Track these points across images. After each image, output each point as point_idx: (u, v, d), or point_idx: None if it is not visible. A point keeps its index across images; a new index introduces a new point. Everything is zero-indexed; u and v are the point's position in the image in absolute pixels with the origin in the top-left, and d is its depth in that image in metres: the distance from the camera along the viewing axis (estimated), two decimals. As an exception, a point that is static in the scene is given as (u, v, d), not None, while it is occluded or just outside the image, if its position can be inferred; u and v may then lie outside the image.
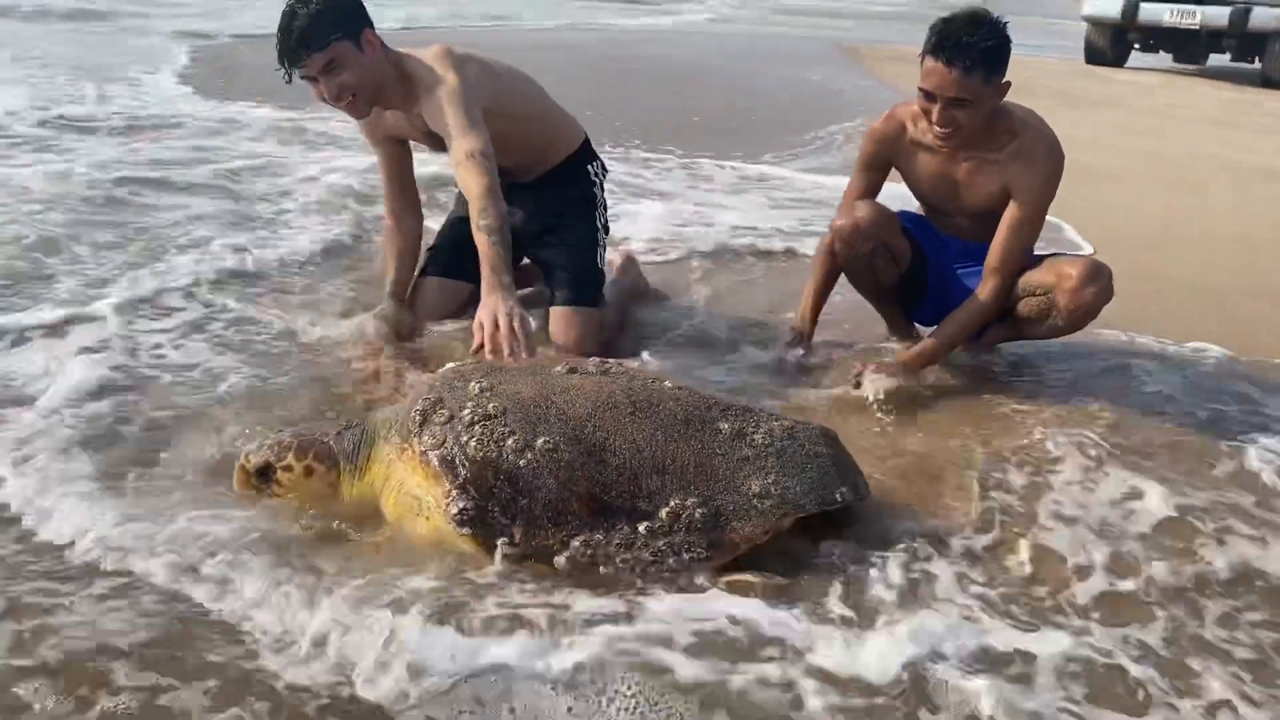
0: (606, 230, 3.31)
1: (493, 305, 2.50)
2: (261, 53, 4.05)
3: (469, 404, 1.98)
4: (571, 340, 3.03)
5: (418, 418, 1.98)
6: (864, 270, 3.09)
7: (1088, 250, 4.54)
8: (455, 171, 2.82)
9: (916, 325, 3.32)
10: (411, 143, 3.19)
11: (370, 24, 2.82)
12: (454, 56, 2.90)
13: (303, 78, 2.78)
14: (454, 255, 3.30)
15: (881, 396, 2.78)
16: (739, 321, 3.47)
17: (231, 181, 4.79)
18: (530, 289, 3.43)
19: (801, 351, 3.06)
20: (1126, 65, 13.22)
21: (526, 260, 3.40)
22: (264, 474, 2.05)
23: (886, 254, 3.04)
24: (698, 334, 3.35)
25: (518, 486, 1.87)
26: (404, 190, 3.20)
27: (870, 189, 3.04)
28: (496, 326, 2.42)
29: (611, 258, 3.64)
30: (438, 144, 3.11)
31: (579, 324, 3.06)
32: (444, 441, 1.92)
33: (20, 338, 2.93)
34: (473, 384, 2.03)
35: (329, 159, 5.32)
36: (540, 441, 1.91)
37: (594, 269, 3.18)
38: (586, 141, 3.31)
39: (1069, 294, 2.82)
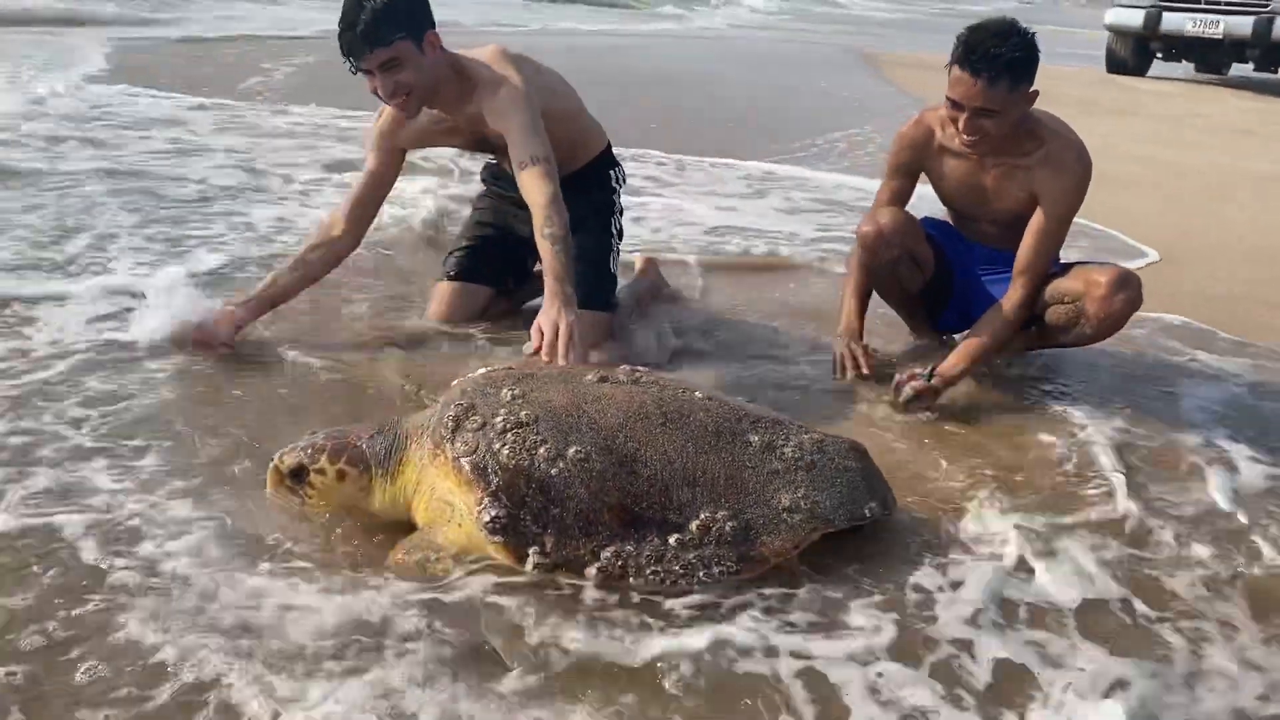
0: (620, 236, 3.34)
1: (554, 314, 2.53)
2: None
3: (501, 411, 1.98)
4: (589, 339, 3.03)
5: (450, 423, 1.98)
6: (889, 277, 3.09)
7: (1153, 257, 4.57)
8: (517, 175, 2.83)
9: (941, 332, 3.32)
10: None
11: (433, 24, 2.83)
12: (511, 57, 2.93)
13: (359, 71, 2.78)
14: (474, 259, 3.32)
15: (920, 407, 2.78)
16: (761, 324, 3.50)
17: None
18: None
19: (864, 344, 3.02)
20: (1148, 74, 13.16)
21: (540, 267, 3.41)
22: (297, 475, 2.06)
23: (911, 261, 3.05)
24: (720, 338, 3.36)
25: (549, 495, 1.88)
26: (365, 209, 3.09)
27: (900, 194, 3.05)
28: (556, 334, 2.47)
29: (632, 259, 3.66)
30: (479, 145, 3.13)
31: (590, 326, 3.05)
32: (476, 448, 1.93)
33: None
34: (505, 390, 2.04)
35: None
36: (572, 451, 1.91)
37: (606, 273, 3.20)
38: (609, 147, 3.33)
39: (1098, 302, 2.82)
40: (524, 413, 1.97)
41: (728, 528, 1.89)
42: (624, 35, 14.87)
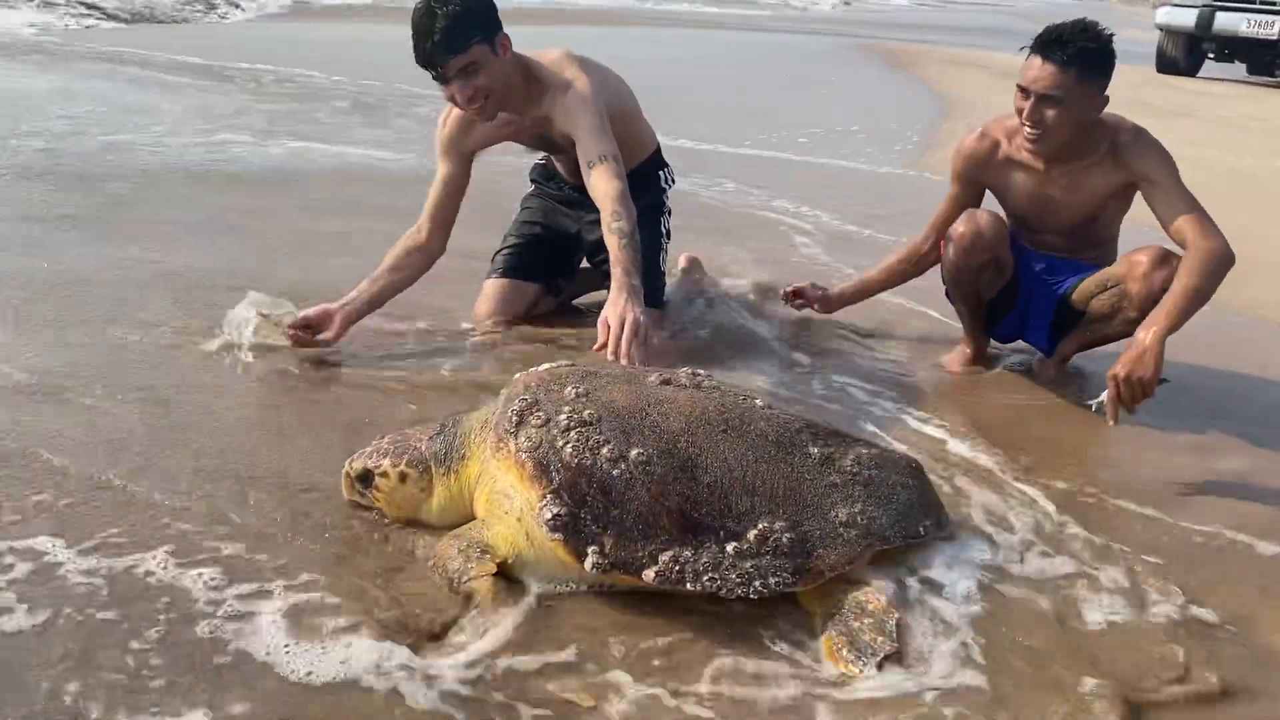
0: (669, 236, 3.41)
1: (621, 308, 2.56)
2: None
3: (565, 408, 1.99)
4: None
5: (514, 418, 2.00)
6: (972, 281, 3.07)
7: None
8: (585, 173, 2.87)
9: (995, 339, 3.33)
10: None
11: (501, 27, 2.85)
12: (578, 59, 2.97)
13: (436, 79, 2.81)
14: (524, 256, 3.37)
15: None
16: (803, 321, 3.51)
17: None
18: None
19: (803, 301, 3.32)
20: (1199, 75, 12.93)
21: (586, 264, 3.45)
22: (365, 480, 2.10)
23: (997, 267, 3.04)
24: (765, 339, 3.37)
25: (610, 496, 1.89)
26: (446, 212, 3.14)
27: (963, 206, 3.04)
28: (622, 328, 2.49)
29: (675, 258, 3.67)
30: (542, 145, 3.18)
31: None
32: (539, 444, 1.94)
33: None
34: (568, 388, 2.05)
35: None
36: (634, 452, 1.93)
37: (656, 271, 3.24)
38: (659, 148, 3.36)
39: (1140, 280, 2.80)
40: (587, 411, 1.98)
41: (784, 539, 1.90)
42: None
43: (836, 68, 12.68)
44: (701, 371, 2.22)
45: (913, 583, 2.01)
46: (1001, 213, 3.08)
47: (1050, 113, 2.69)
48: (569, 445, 1.93)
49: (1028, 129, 2.74)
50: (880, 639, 1.82)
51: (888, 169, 7.37)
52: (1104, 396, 2.64)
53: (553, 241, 3.41)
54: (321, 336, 2.95)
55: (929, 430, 2.76)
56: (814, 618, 1.90)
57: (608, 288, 3.40)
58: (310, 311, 2.96)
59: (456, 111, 2.99)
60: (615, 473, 1.91)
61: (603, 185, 2.80)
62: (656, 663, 1.77)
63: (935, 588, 2.02)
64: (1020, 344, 3.37)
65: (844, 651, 1.79)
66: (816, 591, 1.92)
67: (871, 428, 2.73)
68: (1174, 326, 2.62)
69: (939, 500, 2.20)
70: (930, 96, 10.38)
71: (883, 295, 3.53)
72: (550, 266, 3.43)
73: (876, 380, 3.09)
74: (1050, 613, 1.98)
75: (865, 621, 1.86)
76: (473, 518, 2.07)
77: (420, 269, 3.13)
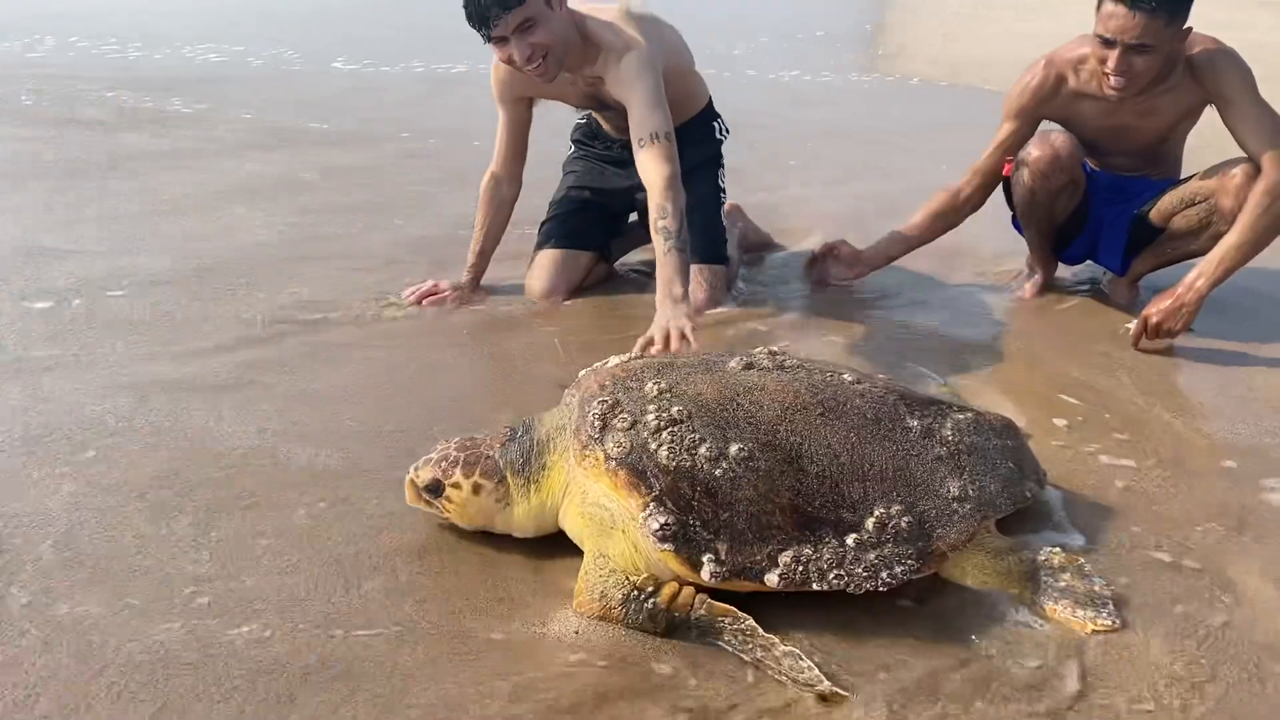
0: (724, 191, 3.25)
1: (664, 320, 2.49)
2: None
3: (650, 406, 1.84)
4: (703, 297, 3.02)
5: (596, 421, 1.85)
6: (1047, 204, 3.01)
7: None
8: (635, 151, 2.73)
9: (1064, 262, 3.31)
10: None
11: None
12: (636, 18, 2.80)
13: (490, 39, 2.64)
14: (572, 223, 3.24)
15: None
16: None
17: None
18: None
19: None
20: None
21: (635, 218, 3.32)
22: (434, 490, 1.93)
23: (1073, 188, 2.95)
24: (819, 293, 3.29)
25: (717, 499, 1.76)
26: (516, 155, 3.10)
27: (1020, 139, 2.94)
28: (666, 343, 2.42)
29: None
30: (591, 104, 3.04)
31: (709, 281, 3.02)
32: (630, 449, 1.80)
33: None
34: (649, 384, 1.90)
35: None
36: (734, 448, 1.79)
37: (719, 225, 3.13)
38: (711, 100, 3.21)
39: (1233, 195, 2.74)
40: (675, 408, 1.84)
41: (903, 523, 1.80)
42: None
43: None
44: (777, 349, 2.08)
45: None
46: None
47: (1139, 60, 2.57)
48: (663, 447, 1.79)
49: (1114, 79, 2.61)
50: (1096, 589, 1.80)
51: (857, 75, 7.25)
52: (1132, 327, 2.85)
53: (603, 205, 3.29)
54: (457, 298, 3.15)
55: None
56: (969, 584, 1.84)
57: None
58: (424, 287, 3.16)
59: None
60: (718, 472, 1.77)
61: (653, 169, 2.67)
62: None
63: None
64: (1088, 264, 3.35)
65: (1078, 612, 1.75)
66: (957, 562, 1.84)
67: (960, 376, 2.69)
68: (1223, 279, 2.69)
69: (1034, 457, 2.11)
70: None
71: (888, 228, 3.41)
72: (603, 231, 3.32)
73: (955, 314, 3.04)
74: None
75: (1064, 577, 1.82)
76: (556, 530, 1.93)
77: (508, 212, 3.20)
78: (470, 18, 2.63)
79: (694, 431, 1.81)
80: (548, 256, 3.20)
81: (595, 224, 3.27)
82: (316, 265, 3.55)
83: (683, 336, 2.44)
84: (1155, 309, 2.75)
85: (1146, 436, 2.40)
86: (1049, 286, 3.31)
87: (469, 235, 3.26)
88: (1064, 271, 3.40)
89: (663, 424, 1.82)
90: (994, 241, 3.59)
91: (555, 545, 1.93)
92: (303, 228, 4.01)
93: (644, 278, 3.49)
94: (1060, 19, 9.99)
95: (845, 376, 2.02)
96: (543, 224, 3.31)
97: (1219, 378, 2.71)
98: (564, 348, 2.85)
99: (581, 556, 1.85)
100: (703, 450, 1.79)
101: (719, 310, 3.10)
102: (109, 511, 2.03)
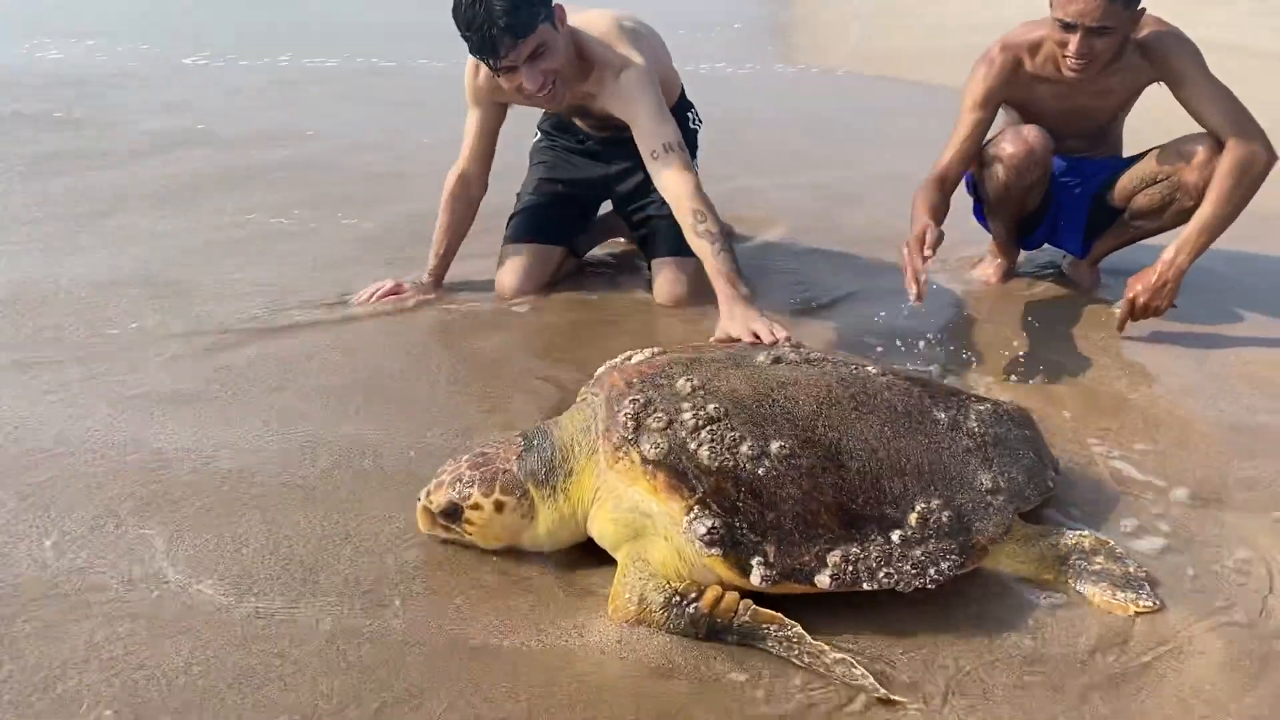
0: None
1: (742, 318, 2.41)
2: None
3: (686, 405, 1.78)
4: (682, 290, 2.97)
5: (629, 422, 1.77)
6: (1020, 198, 3.04)
7: None
8: (649, 163, 2.66)
9: (1026, 249, 3.38)
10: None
11: None
12: (627, 31, 2.72)
13: (498, 69, 2.52)
14: (542, 217, 3.13)
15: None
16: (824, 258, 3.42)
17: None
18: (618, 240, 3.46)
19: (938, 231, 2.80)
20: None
21: (611, 209, 3.24)
22: (451, 514, 1.82)
23: (1044, 180, 2.99)
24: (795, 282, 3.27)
25: (762, 499, 1.71)
26: (485, 155, 3.00)
27: (985, 127, 2.95)
28: (756, 339, 2.33)
29: None
30: (576, 113, 2.98)
31: (689, 271, 2.97)
32: (669, 450, 1.73)
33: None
34: (681, 381, 1.83)
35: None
36: (775, 446, 1.75)
37: None
38: (684, 90, 3.13)
39: (1198, 170, 2.79)
40: (711, 406, 1.78)
41: (944, 517, 1.78)
42: None
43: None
44: (803, 344, 2.05)
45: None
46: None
47: (1100, 42, 2.61)
48: (704, 447, 1.73)
49: (1074, 61, 2.64)
50: (1130, 570, 1.81)
51: (782, 67, 7.27)
52: (1117, 309, 2.87)
53: (574, 197, 3.19)
54: (420, 298, 3.06)
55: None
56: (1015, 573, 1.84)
57: (624, 236, 3.42)
58: (385, 286, 3.05)
59: None
60: (760, 471, 1.72)
61: (676, 179, 2.60)
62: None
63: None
64: (1046, 247, 3.42)
65: (1118, 595, 1.76)
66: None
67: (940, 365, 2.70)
68: (1199, 252, 2.74)
69: (1047, 445, 2.12)
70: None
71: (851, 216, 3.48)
72: (573, 225, 3.23)
73: (924, 303, 3.02)
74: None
75: (1098, 561, 1.83)
76: (585, 539, 1.85)
77: (473, 213, 3.11)
78: (476, 49, 2.50)
79: (733, 430, 1.76)
80: (518, 252, 3.10)
81: (566, 217, 3.19)
82: (263, 268, 3.38)
83: (769, 329, 2.37)
84: (1140, 288, 2.76)
85: (1132, 417, 2.45)
86: (1012, 272, 3.37)
87: (425, 230, 3.15)
88: (1022, 255, 3.47)
89: (700, 422, 1.76)
90: (952, 229, 3.62)
91: (580, 551, 1.86)
92: (235, 228, 3.83)
93: (613, 271, 3.43)
94: (966, 6, 10.26)
95: (870, 369, 1.99)
96: (511, 217, 3.20)
97: (1195, 358, 2.79)
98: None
99: (610, 562, 1.79)
100: (744, 449, 1.73)
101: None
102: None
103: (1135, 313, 2.80)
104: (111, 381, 2.53)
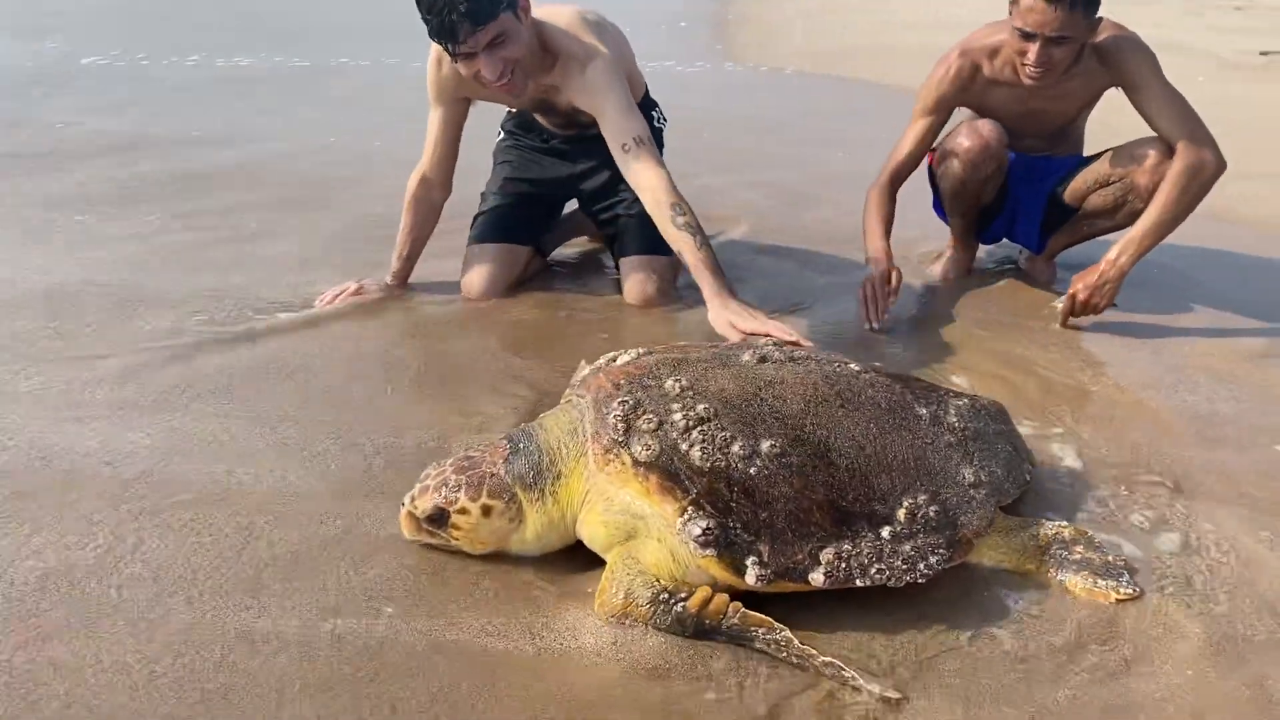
0: None
1: (736, 310, 2.41)
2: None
3: (675, 405, 1.78)
4: (652, 290, 2.96)
5: (619, 424, 1.77)
6: (977, 192, 3.09)
7: None
8: (620, 158, 2.64)
9: (984, 243, 3.44)
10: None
11: None
12: (592, 24, 2.70)
13: (457, 56, 2.48)
14: (509, 217, 3.10)
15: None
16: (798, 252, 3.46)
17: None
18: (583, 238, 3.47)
19: (899, 273, 2.95)
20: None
21: (576, 207, 3.22)
22: (437, 520, 1.79)
23: (999, 174, 3.03)
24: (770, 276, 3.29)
25: (755, 498, 1.71)
26: (447, 157, 2.96)
27: (934, 133, 3.01)
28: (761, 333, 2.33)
29: None
30: (540, 108, 2.95)
31: (659, 271, 2.96)
32: (661, 452, 1.73)
33: None
34: (669, 381, 1.83)
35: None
36: (766, 445, 1.75)
37: None
38: (647, 88, 3.13)
39: (1149, 173, 2.86)
40: (701, 406, 1.78)
41: (931, 512, 1.80)
42: None
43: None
44: (788, 342, 2.06)
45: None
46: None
47: (1058, 51, 2.66)
48: (695, 448, 1.73)
49: (1032, 69, 2.69)
50: (1110, 559, 1.85)
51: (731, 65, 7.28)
52: (1059, 304, 2.96)
53: (540, 196, 3.16)
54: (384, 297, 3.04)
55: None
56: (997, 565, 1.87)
57: (589, 235, 3.44)
58: (348, 288, 3.01)
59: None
60: (752, 471, 1.73)
61: (648, 173, 2.58)
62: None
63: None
64: (1004, 242, 3.49)
65: (1099, 583, 1.80)
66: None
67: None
68: (1143, 255, 2.83)
69: (1023, 440, 2.16)
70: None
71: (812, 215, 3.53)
72: (539, 224, 3.20)
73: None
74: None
75: (1077, 550, 1.86)
76: (575, 543, 1.84)
77: (436, 216, 3.08)
78: (435, 32, 2.46)
79: (724, 430, 1.76)
80: (485, 253, 3.07)
81: (532, 217, 3.17)
82: (219, 273, 3.31)
83: (770, 326, 2.38)
84: (1081, 285, 2.87)
85: (1096, 408, 2.51)
86: (971, 267, 3.43)
87: (386, 233, 3.11)
88: (981, 250, 3.53)
89: (691, 423, 1.76)
90: (910, 227, 3.67)
91: (569, 554, 1.84)
92: (188, 232, 3.74)
93: (578, 270, 3.42)
94: (909, 3, 10.40)
95: (852, 366, 2.01)
96: (476, 217, 3.16)
97: (1151, 349, 2.86)
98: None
99: (600, 565, 1.78)
100: (735, 449, 1.74)
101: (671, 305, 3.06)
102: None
103: (1076, 309, 2.91)
104: (65, 391, 2.45)
